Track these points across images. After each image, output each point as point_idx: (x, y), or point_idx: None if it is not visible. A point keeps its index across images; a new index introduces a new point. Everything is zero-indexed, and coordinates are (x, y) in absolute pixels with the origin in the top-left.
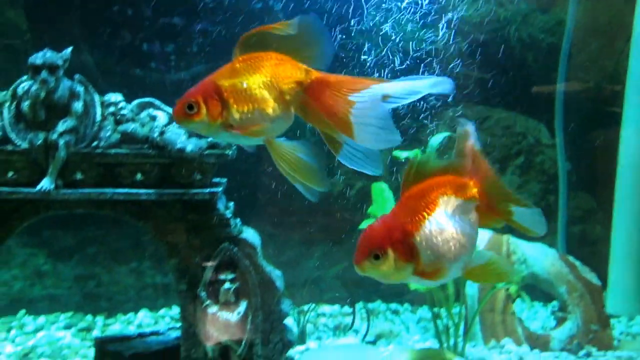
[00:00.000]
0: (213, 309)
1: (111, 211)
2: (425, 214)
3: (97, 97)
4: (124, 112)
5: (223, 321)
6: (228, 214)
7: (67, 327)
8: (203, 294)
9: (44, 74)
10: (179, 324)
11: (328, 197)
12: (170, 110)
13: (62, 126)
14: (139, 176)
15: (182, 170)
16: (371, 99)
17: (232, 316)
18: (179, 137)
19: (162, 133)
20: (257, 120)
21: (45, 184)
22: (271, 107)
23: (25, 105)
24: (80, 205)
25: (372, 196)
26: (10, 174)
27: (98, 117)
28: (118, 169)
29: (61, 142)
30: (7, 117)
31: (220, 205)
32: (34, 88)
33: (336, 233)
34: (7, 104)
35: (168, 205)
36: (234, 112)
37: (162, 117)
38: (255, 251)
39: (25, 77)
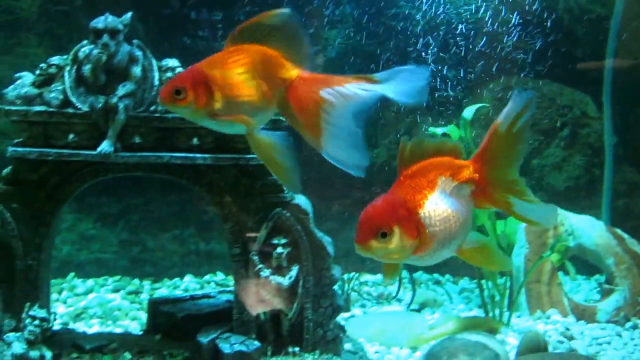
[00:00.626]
0: (265, 273)
1: (167, 175)
2: (426, 192)
3: (155, 62)
4: None
5: (275, 285)
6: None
7: (116, 290)
8: (255, 258)
9: (105, 38)
10: (229, 288)
11: (370, 168)
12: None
13: (121, 90)
14: (195, 140)
15: (239, 135)
16: (344, 100)
17: (284, 280)
18: None
19: None
20: (240, 110)
21: (105, 146)
22: (255, 99)
23: (86, 69)
24: (138, 168)
25: None
26: (70, 136)
27: (156, 82)
28: (175, 134)
29: (121, 105)
30: (67, 81)
31: None
32: (95, 52)
33: None
34: (68, 68)
35: (223, 170)
36: (219, 101)
37: None
38: (308, 217)
39: (85, 42)
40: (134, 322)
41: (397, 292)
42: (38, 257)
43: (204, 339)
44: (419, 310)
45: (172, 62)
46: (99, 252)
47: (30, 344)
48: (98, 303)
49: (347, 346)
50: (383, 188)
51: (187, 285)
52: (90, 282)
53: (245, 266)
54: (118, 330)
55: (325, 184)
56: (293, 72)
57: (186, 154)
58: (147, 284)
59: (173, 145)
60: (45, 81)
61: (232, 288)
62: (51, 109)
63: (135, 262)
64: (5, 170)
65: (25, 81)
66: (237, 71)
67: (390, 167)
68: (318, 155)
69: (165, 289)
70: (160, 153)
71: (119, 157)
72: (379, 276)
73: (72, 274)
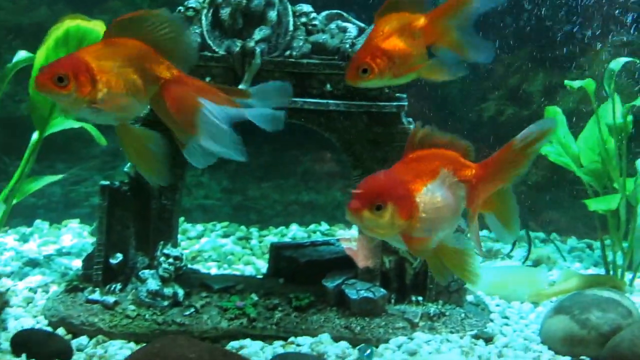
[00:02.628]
0: None
1: (300, 120)
2: (427, 178)
3: (290, 7)
4: (315, 22)
5: None
6: (411, 128)
7: (225, 235)
8: None
9: None
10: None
11: (478, 122)
12: (359, 23)
13: (258, 34)
14: (328, 87)
15: None
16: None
17: None
18: None
19: (352, 45)
20: (118, 102)
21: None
22: (132, 92)
23: (225, 12)
24: None
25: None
26: (207, 79)
27: (291, 27)
28: (308, 79)
29: (257, 49)
30: (205, 24)
31: (404, 119)
32: None
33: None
34: (205, 12)
35: (354, 117)
36: (102, 91)
37: (352, 29)
38: None
39: None
40: (248, 267)
41: (512, 250)
42: (172, 197)
43: (330, 284)
44: (534, 267)
45: (306, 7)
46: (203, 199)
47: (164, 281)
48: (211, 247)
49: (469, 298)
50: (489, 142)
51: (294, 233)
52: (199, 226)
53: None
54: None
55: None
56: (168, 71)
57: (319, 100)
58: (254, 230)
59: (305, 91)
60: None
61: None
62: None
63: (239, 209)
64: (144, 111)
65: None
66: (116, 63)
67: (496, 123)
68: None
69: (272, 237)
70: (294, 98)
71: None
72: (484, 232)
73: (182, 218)
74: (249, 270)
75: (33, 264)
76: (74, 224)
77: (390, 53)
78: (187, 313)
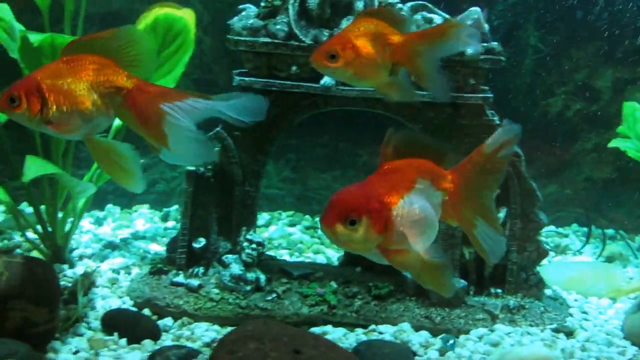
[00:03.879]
0: None
1: (383, 110)
2: (403, 190)
3: None
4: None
5: None
6: (496, 120)
7: (292, 224)
8: None
9: None
10: None
11: (544, 117)
12: (444, 14)
13: (346, 24)
14: (412, 77)
15: (456, 73)
16: (183, 112)
17: None
18: None
19: None
20: (74, 119)
21: (328, 79)
22: (89, 108)
23: (313, 2)
24: (355, 102)
25: (622, 116)
26: (293, 68)
27: None
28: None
29: None
30: (292, 13)
31: (488, 111)
32: None
33: (553, 156)
34: (292, 1)
35: (439, 108)
36: (52, 109)
37: (438, 20)
38: (520, 159)
39: None
40: (319, 255)
41: (584, 246)
42: (255, 184)
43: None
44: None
45: None
46: (264, 188)
47: (247, 266)
48: (280, 235)
49: (547, 292)
50: (556, 139)
51: None
52: (265, 215)
53: None
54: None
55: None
56: (129, 81)
57: None
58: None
59: None
60: (270, 13)
61: None
62: (277, 41)
63: (301, 199)
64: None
65: (249, 13)
66: (70, 80)
67: (563, 119)
68: None
69: None
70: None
71: (339, 90)
72: (552, 227)
73: None
74: (320, 259)
75: (112, 246)
76: (144, 209)
77: (360, 51)
78: (269, 298)
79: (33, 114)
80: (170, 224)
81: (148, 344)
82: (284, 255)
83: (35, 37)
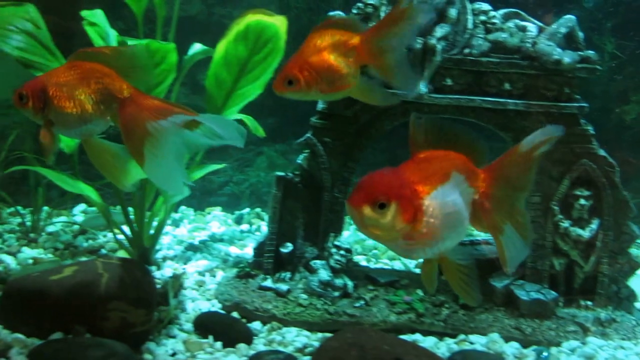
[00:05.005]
0: (565, 224)
1: (475, 119)
2: (438, 181)
3: (469, 5)
4: (494, 20)
5: (574, 237)
6: (590, 129)
7: None
8: (556, 208)
9: None
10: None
11: (619, 124)
12: (537, 22)
13: (439, 31)
14: (506, 85)
15: (551, 82)
16: (167, 132)
17: (584, 233)
18: (553, 49)
19: (534, 44)
20: (73, 120)
21: (420, 87)
22: (87, 112)
23: None
24: (446, 110)
25: None
26: None
27: (470, 25)
28: (486, 78)
29: (439, 47)
30: None
31: (582, 121)
32: None
33: (629, 165)
34: (384, 8)
35: (532, 117)
36: (53, 110)
37: (532, 28)
38: (614, 170)
39: None
40: (396, 262)
41: None
42: (344, 190)
43: (498, 283)
44: None
45: (485, 6)
46: None
47: (335, 272)
48: (354, 240)
49: (638, 305)
50: (633, 148)
51: None
52: None
53: (544, 215)
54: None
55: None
56: (126, 91)
57: (498, 99)
58: None
59: (482, 90)
60: (362, 20)
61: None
62: None
63: None
64: (320, 105)
65: None
66: (72, 84)
67: None
68: None
69: None
70: (471, 96)
71: (431, 97)
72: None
73: None
74: (397, 265)
75: (194, 248)
76: (216, 211)
77: (318, 68)
78: (358, 305)
79: (36, 112)
80: (245, 227)
81: (243, 348)
82: (361, 261)
83: (131, 43)
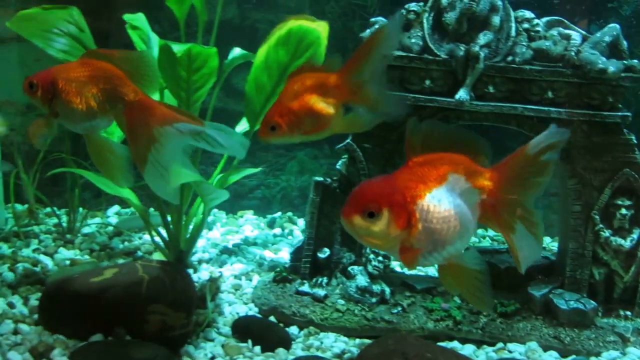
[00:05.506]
0: (605, 234)
1: (517, 126)
2: (432, 184)
3: (512, 13)
4: (537, 28)
5: (614, 246)
6: (633, 139)
7: None
8: (597, 217)
9: None
10: (550, 244)
11: None
12: (581, 30)
13: (483, 39)
14: (549, 94)
15: (594, 91)
16: (174, 135)
17: (625, 242)
18: (597, 58)
19: (578, 52)
20: (77, 115)
21: (462, 94)
22: (92, 109)
23: (450, 16)
24: (487, 118)
25: None
26: (427, 82)
27: (513, 32)
28: (528, 85)
29: (482, 54)
30: (426, 27)
31: (625, 130)
32: (466, 0)
33: None
34: (426, 15)
35: (574, 126)
36: (61, 103)
37: (575, 36)
38: None
39: None
40: (430, 268)
41: None
42: None
43: (537, 292)
44: None
45: (528, 13)
46: None
47: (373, 278)
48: None
49: None
50: None
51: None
52: None
53: (584, 224)
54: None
55: None
56: (133, 94)
57: (540, 107)
58: None
59: (524, 97)
60: (404, 27)
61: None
62: (411, 55)
63: None
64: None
65: None
66: (82, 81)
67: None
68: None
69: None
70: (513, 104)
71: (472, 105)
72: None
73: None
74: (432, 272)
75: (228, 252)
76: (249, 214)
77: (299, 112)
78: (395, 311)
79: (44, 102)
80: (277, 230)
81: (282, 353)
82: (397, 267)
83: (175, 47)
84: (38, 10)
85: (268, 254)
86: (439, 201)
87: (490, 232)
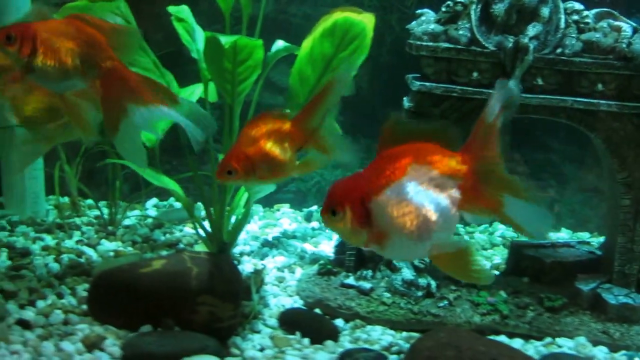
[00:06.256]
0: None
1: (566, 119)
2: (390, 179)
3: (561, 4)
4: (587, 20)
5: None
6: None
7: None
8: None
9: None
10: (589, 240)
11: None
12: (631, 22)
13: (532, 30)
14: (599, 86)
15: None
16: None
17: None
18: None
19: (629, 44)
20: (54, 73)
21: (511, 86)
22: (69, 69)
23: (499, 8)
24: (536, 111)
25: None
26: (474, 74)
27: (562, 24)
28: (577, 78)
29: (531, 46)
30: (474, 19)
31: None
32: None
33: None
34: (474, 7)
35: (624, 119)
36: (39, 59)
37: (626, 28)
38: None
39: None
40: (485, 261)
41: None
42: None
43: (584, 286)
44: None
45: (577, 5)
46: None
47: (418, 271)
48: None
49: None
50: None
51: (502, 232)
52: None
53: (634, 218)
54: None
55: None
56: (109, 61)
57: (590, 100)
58: (459, 226)
59: (574, 90)
60: (451, 18)
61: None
62: (459, 46)
63: None
64: (407, 104)
65: (429, 17)
66: (62, 39)
67: None
68: None
69: (479, 234)
70: (563, 97)
71: (521, 97)
72: None
73: None
74: None
75: (269, 245)
76: (285, 208)
77: (254, 157)
78: (441, 305)
79: (21, 56)
80: (315, 224)
81: (330, 345)
82: None
83: (222, 39)
84: (85, 3)
85: (308, 247)
86: (398, 196)
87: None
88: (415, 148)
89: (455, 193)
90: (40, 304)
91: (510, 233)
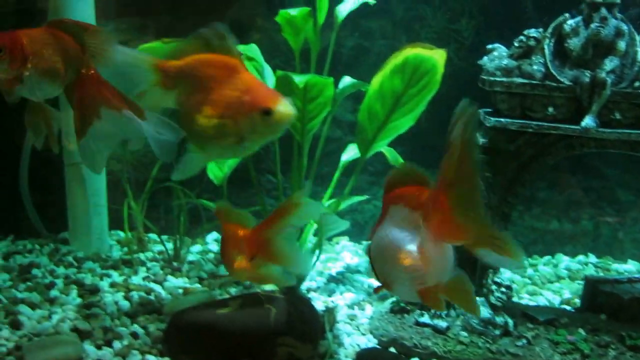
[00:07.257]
0: None
1: (635, 152)
2: (381, 222)
3: (637, 37)
4: None
5: None
6: None
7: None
8: None
9: (603, 11)
10: None
11: None
12: None
13: (609, 64)
14: None
15: None
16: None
17: None
18: None
19: None
20: (44, 83)
21: (589, 121)
22: (57, 78)
23: (574, 42)
24: (614, 145)
25: None
26: (550, 109)
27: (639, 57)
28: None
29: (609, 80)
30: (547, 54)
31: None
32: (593, 26)
33: None
34: (547, 42)
35: None
36: (27, 70)
37: None
38: None
39: (567, 15)
40: (539, 297)
41: None
42: (504, 226)
43: None
44: None
45: None
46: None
47: (495, 309)
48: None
49: None
50: None
51: (566, 264)
52: None
53: None
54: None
55: None
56: (85, 68)
57: None
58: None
59: None
60: (524, 53)
61: None
62: (534, 82)
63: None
64: (481, 140)
65: (501, 53)
66: (49, 50)
67: None
68: None
69: (543, 266)
70: (633, 130)
71: (598, 132)
72: None
73: None
74: (541, 301)
75: (335, 280)
76: (344, 241)
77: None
78: (520, 344)
79: (11, 68)
80: None
81: None
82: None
83: (295, 78)
84: (159, 45)
85: (375, 283)
86: (383, 240)
87: (591, 259)
88: (398, 191)
89: (425, 229)
90: (117, 344)
91: (575, 265)
